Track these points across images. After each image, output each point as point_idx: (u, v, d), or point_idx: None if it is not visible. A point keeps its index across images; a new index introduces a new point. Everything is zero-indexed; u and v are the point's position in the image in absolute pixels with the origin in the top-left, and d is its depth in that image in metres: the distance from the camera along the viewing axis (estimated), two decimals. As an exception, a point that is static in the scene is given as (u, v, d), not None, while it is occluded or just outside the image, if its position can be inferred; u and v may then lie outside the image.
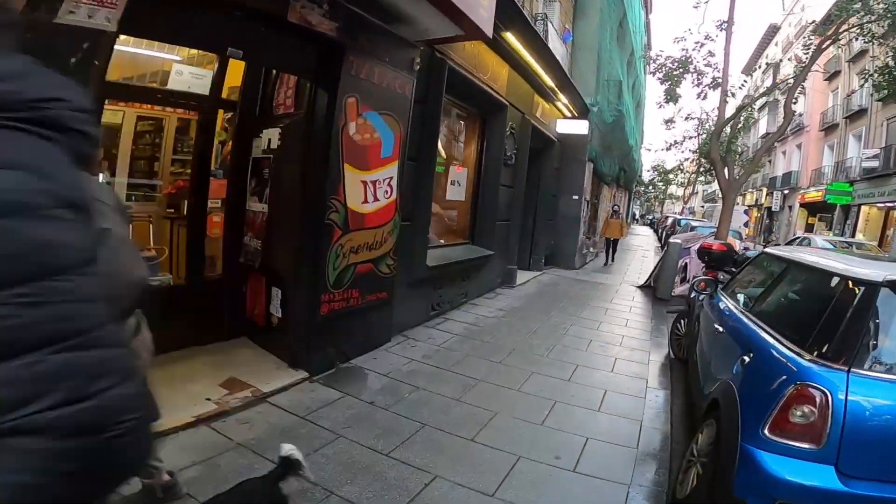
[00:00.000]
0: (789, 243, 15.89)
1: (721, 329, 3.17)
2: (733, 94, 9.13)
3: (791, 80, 9.47)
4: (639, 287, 9.14)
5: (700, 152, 27.53)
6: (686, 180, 33.60)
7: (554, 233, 10.70)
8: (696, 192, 34.80)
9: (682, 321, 5.23)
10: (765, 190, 33.74)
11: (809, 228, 26.62)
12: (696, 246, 8.17)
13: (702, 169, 29.53)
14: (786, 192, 28.92)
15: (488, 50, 6.16)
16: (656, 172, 39.58)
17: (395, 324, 4.81)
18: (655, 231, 34.09)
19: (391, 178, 4.11)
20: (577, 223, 10.83)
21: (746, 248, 10.80)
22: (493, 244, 6.83)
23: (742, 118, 9.87)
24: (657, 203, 57.19)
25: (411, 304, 5.07)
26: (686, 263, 8.15)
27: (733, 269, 6.33)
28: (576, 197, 10.78)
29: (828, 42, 9.22)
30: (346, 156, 3.61)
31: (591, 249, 13.49)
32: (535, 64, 7.21)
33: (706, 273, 6.26)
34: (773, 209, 30.56)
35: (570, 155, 10.69)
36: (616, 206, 13.25)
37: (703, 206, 40.07)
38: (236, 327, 4.19)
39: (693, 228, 13.49)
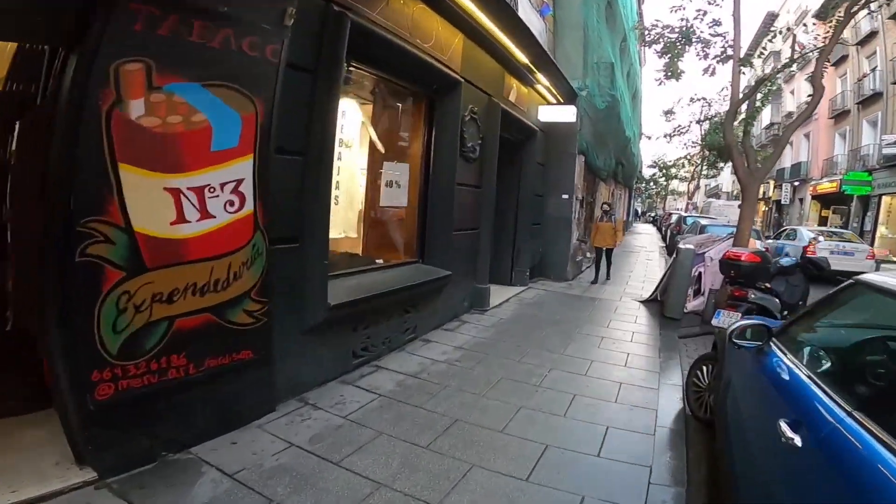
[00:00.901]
0: (777, 236, 14.20)
1: (794, 437, 1.64)
2: (750, 64, 7.55)
3: (814, 51, 7.92)
4: (643, 302, 7.60)
5: (705, 143, 26.02)
6: (690, 174, 31.83)
7: (541, 239, 9.18)
8: (699, 188, 33.08)
9: (705, 368, 3.70)
10: (772, 182, 32.07)
11: (823, 221, 25.08)
12: (712, 251, 6.63)
13: (706, 162, 28.02)
14: (796, 183, 27.32)
15: (429, 11, 4.67)
16: (657, 168, 37.95)
17: (288, 385, 3.34)
18: (658, 229, 32.63)
19: (240, 181, 2.62)
20: (568, 227, 9.30)
21: (766, 250, 9.21)
22: (452, 261, 5.32)
23: (762, 94, 8.31)
24: (659, 199, 55.54)
25: (314, 357, 3.57)
26: (700, 273, 6.61)
27: (767, 285, 4.81)
28: (566, 196, 9.26)
29: (857, 6, 7.68)
30: (123, 152, 2.12)
31: (588, 255, 11.94)
32: (497, 32, 5.71)
33: (731, 291, 4.73)
34: (782, 202, 28.92)
35: (557, 147, 9.17)
36: (607, 205, 9.88)
37: (704, 201, 38.24)
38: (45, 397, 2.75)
39: (703, 228, 11.71)
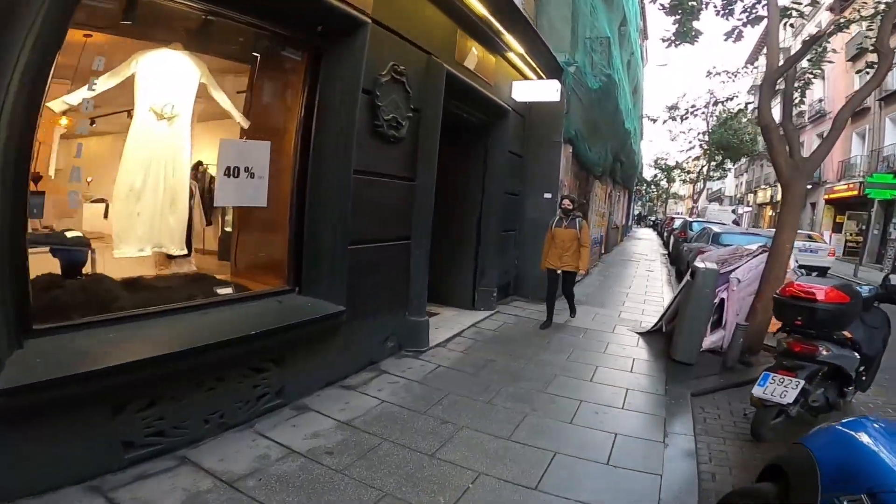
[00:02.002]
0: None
1: None
2: (800, 14, 5.71)
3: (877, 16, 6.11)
4: (643, 334, 5.81)
5: (712, 139, 24.10)
6: (695, 175, 29.84)
7: (516, 250, 7.43)
8: (704, 190, 31.09)
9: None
10: (781, 186, 30.17)
11: (838, 228, 23.34)
12: (739, 270, 4.83)
13: (713, 162, 26.16)
14: (808, 187, 25.41)
15: None
16: (659, 168, 36.02)
17: None
18: (659, 234, 30.85)
19: None
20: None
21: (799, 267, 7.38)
22: (356, 286, 3.56)
23: (811, 59, 6.54)
24: (660, 203, 53.65)
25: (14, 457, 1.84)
26: (723, 299, 4.83)
27: (847, 334, 3.03)
28: (548, 195, 7.49)
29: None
30: None
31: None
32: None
33: (790, 345, 2.94)
34: (793, 207, 27.04)
35: (537, 134, 7.43)
36: (568, 200, 5.88)
37: (700, 206, 35.89)
38: None
39: (717, 237, 9.68)
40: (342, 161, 3.33)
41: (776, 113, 5.68)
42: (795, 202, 4.94)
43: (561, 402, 3.69)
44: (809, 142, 26.75)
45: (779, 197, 22.52)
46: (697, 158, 30.11)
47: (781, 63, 5.12)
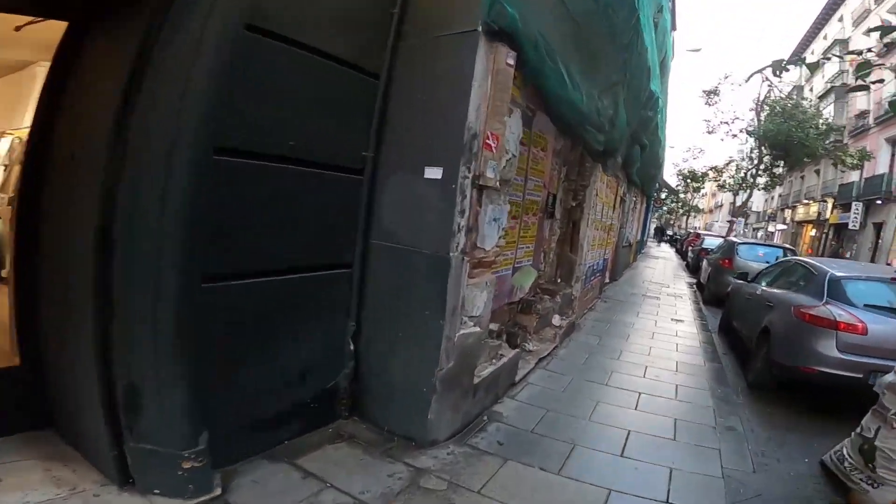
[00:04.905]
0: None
1: None
2: None
3: None
4: None
5: (764, 133, 18.82)
6: (741, 181, 24.56)
7: (348, 318, 2.89)
8: (745, 201, 25.80)
9: None
10: (830, 202, 25.06)
11: (912, 254, 18.35)
12: None
13: (763, 165, 21.01)
14: (878, 202, 20.40)
15: None
16: (683, 178, 31.00)
17: None
18: (679, 251, 26.16)
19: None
20: (440, 274, 2.89)
21: None
22: None
23: None
24: (681, 215, 48.45)
25: None
26: None
27: None
28: (435, 174, 2.87)
29: None
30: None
31: (559, 324, 5.58)
32: None
33: None
34: (850, 227, 21.96)
35: (421, 20, 2.88)
36: None
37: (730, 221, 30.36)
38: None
39: (837, 288, 4.00)
40: None
41: None
42: None
43: None
44: (875, 148, 21.71)
45: (828, 214, 17.00)
46: (743, 160, 25.12)
47: None
